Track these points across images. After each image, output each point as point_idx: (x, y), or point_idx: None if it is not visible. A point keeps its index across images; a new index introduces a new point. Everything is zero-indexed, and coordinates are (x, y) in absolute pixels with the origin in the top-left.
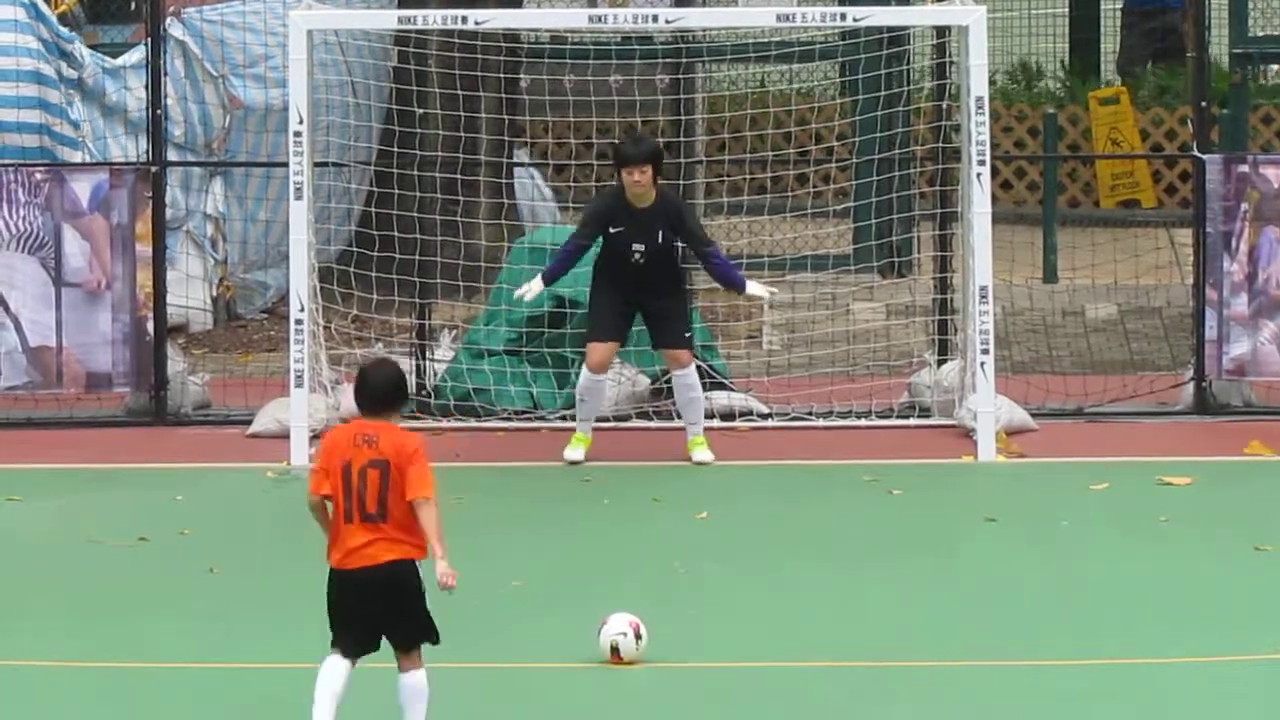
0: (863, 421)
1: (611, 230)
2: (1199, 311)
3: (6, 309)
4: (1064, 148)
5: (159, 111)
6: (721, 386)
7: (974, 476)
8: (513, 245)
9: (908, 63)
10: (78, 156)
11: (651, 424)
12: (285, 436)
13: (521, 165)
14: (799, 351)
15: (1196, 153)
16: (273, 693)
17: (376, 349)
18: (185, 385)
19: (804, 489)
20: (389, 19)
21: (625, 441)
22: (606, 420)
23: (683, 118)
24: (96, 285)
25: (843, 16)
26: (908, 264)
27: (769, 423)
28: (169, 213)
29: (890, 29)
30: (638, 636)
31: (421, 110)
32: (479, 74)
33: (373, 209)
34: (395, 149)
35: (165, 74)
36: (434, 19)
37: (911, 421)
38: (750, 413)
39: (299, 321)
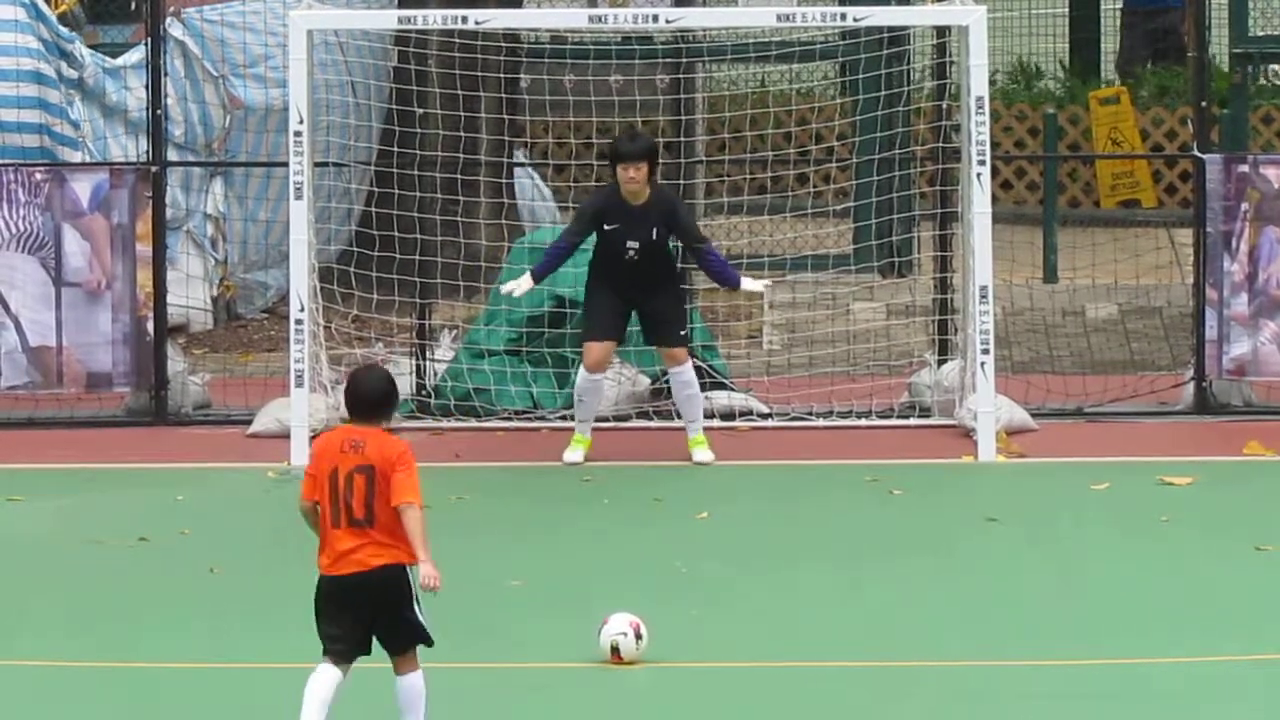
0: (863, 421)
1: (606, 227)
2: (1199, 311)
3: (7, 309)
4: (1064, 148)
5: (159, 111)
6: (722, 386)
7: (974, 476)
8: (513, 245)
9: (908, 63)
10: (78, 156)
11: (651, 424)
12: (285, 436)
13: (521, 165)
14: (799, 351)
15: (1197, 153)
16: (273, 693)
17: (377, 349)
18: (185, 385)
19: (804, 489)
20: (389, 19)
21: (625, 441)
22: (606, 420)
23: (683, 118)
24: (97, 285)
25: (843, 16)
26: (908, 264)
27: (769, 423)
28: (169, 213)
29: (890, 29)
30: (638, 636)
31: (421, 110)
32: (479, 74)
33: (373, 209)
34: (395, 149)
35: (165, 74)
36: (434, 19)
37: (912, 421)
38: (750, 413)
39: (299, 321)
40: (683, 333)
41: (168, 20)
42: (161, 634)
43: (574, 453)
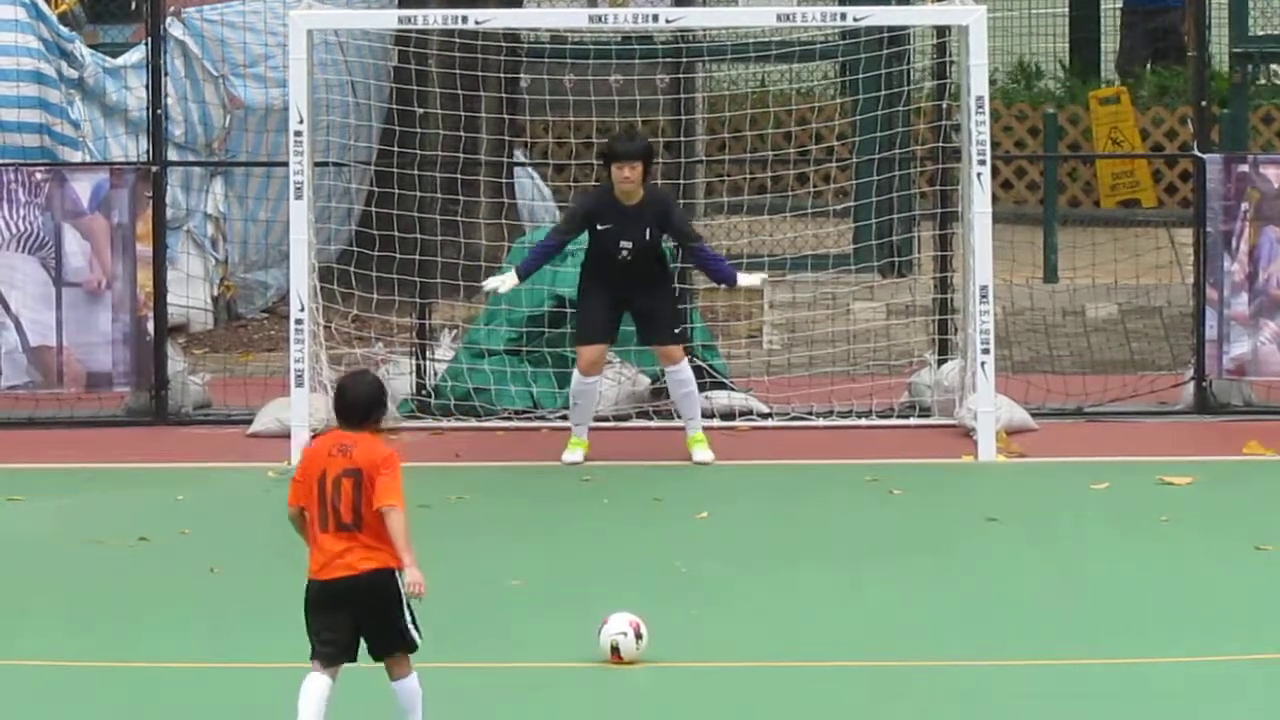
0: (863, 421)
1: (599, 227)
2: (1199, 311)
3: (7, 309)
4: (1064, 147)
5: (159, 111)
6: (722, 386)
7: (974, 476)
8: (513, 245)
9: (908, 62)
10: (78, 156)
11: (651, 424)
12: (285, 436)
13: (521, 165)
14: (799, 351)
15: (1197, 152)
16: (273, 693)
17: (377, 348)
18: (185, 385)
19: (804, 489)
20: (389, 19)
21: (625, 441)
22: (606, 420)
23: (683, 117)
24: (97, 285)
25: (843, 16)
26: (908, 264)
27: (769, 423)
28: (169, 212)
29: (890, 29)
30: (638, 636)
31: (421, 110)
32: (479, 74)
33: (373, 209)
34: (395, 149)
35: (165, 74)
36: (434, 19)
37: (912, 421)
38: (750, 412)
39: (299, 321)
40: (677, 331)
41: (168, 20)
42: (161, 634)
43: (573, 453)
